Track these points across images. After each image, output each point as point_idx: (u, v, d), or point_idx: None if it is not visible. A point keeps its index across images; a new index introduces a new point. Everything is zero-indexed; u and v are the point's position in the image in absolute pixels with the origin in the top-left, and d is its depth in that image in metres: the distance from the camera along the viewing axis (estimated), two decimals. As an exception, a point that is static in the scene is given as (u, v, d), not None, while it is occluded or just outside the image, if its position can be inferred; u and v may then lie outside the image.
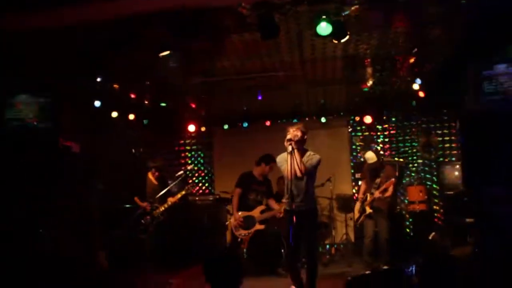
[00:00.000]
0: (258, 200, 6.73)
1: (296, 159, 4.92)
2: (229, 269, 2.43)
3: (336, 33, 4.52)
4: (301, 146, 5.02)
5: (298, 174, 4.96)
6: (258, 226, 6.61)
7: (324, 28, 4.41)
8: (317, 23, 4.42)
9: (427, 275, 2.19)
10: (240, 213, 6.54)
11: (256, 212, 6.64)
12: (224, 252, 4.27)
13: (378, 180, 6.71)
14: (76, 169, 6.36)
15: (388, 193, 6.64)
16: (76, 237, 6.08)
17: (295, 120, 8.99)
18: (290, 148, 4.94)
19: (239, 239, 6.56)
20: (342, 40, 4.66)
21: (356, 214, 7.00)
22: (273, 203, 6.86)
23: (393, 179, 6.59)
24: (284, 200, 5.67)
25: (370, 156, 6.74)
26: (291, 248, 5.13)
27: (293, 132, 4.92)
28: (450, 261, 2.22)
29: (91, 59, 5.41)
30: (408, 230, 8.56)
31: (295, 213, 4.93)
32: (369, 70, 6.70)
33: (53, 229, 5.74)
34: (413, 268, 2.65)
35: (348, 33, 4.65)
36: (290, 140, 4.90)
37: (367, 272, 6.37)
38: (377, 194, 6.60)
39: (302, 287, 5.33)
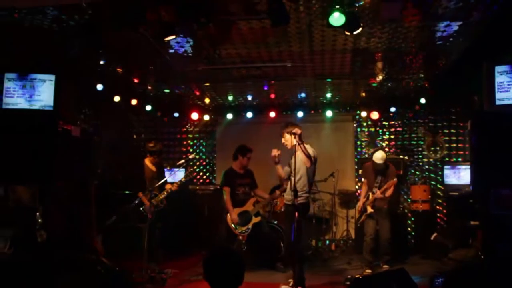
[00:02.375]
0: (247, 192, 6.69)
1: (303, 152, 4.98)
2: (231, 266, 2.27)
3: (349, 24, 4.35)
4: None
5: (308, 164, 5.04)
6: (255, 220, 6.56)
7: (337, 18, 4.24)
8: (330, 13, 4.26)
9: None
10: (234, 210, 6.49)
11: (249, 206, 6.59)
12: (224, 248, 4.12)
13: (379, 179, 6.58)
14: (76, 153, 6.23)
15: (389, 193, 6.52)
16: (73, 222, 5.98)
17: (300, 112, 8.88)
18: (294, 142, 4.95)
19: (239, 236, 6.49)
20: (355, 32, 4.49)
21: (358, 214, 6.90)
22: (261, 193, 6.89)
23: (395, 180, 6.46)
24: (284, 194, 5.62)
25: (381, 156, 6.55)
26: (295, 243, 5.03)
27: (295, 129, 5.07)
28: (477, 274, 2.09)
29: (93, 39, 5.24)
30: (409, 229, 8.44)
31: (296, 207, 4.87)
32: (379, 65, 6.52)
33: (50, 213, 5.64)
34: (441, 280, 2.51)
35: (361, 25, 4.48)
36: (294, 134, 4.95)
37: (367, 271, 6.33)
38: (378, 193, 6.47)
39: (303, 281, 5.25)
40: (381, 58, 6.27)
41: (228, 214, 6.51)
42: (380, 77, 6.99)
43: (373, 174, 6.65)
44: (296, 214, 4.72)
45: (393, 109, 8.70)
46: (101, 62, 6.17)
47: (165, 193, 6.25)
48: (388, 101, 8.52)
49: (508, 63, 4.96)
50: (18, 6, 4.58)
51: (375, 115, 8.63)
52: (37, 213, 5.47)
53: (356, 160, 9.14)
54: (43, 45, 5.57)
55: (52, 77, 5.51)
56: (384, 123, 9.14)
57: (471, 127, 5.36)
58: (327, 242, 8.45)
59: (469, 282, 2.04)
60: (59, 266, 3.72)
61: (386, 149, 9.03)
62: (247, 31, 5.36)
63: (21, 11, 4.70)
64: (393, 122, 9.09)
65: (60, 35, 5.31)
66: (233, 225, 6.43)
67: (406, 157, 8.68)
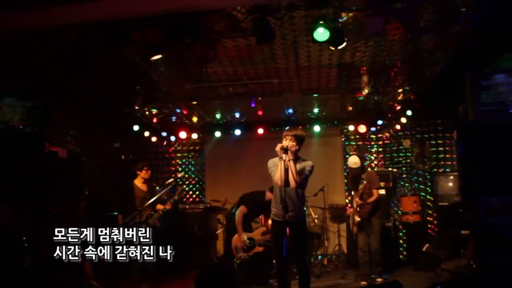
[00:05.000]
0: (258, 220, 6.61)
1: (291, 170, 4.74)
2: (223, 285, 2.24)
3: (333, 39, 4.40)
4: (295, 155, 4.88)
5: (293, 185, 4.78)
6: (258, 249, 6.45)
7: (321, 34, 4.29)
8: (314, 28, 4.31)
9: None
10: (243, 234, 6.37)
11: (257, 234, 6.48)
12: (216, 266, 4.06)
13: (361, 187, 6.57)
14: (63, 175, 6.15)
15: (371, 199, 6.50)
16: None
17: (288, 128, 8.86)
18: (284, 157, 4.78)
19: (236, 259, 6.41)
20: (339, 47, 4.55)
21: (352, 225, 6.89)
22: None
23: (364, 182, 6.45)
24: (274, 209, 5.48)
25: (354, 160, 6.54)
26: (283, 261, 4.92)
27: (290, 142, 4.75)
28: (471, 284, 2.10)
29: (81, 61, 5.25)
30: (401, 241, 8.44)
31: (288, 224, 4.77)
32: (365, 78, 6.60)
33: (38, 236, 5.52)
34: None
35: (346, 39, 4.54)
36: (286, 149, 4.72)
37: (362, 283, 6.30)
38: (357, 200, 6.47)
39: None
40: (367, 72, 6.34)
41: (236, 235, 6.39)
42: (366, 91, 7.06)
43: (354, 181, 6.65)
44: (288, 230, 4.65)
45: (380, 122, 8.76)
46: (88, 83, 6.15)
47: (160, 213, 6.18)
48: (375, 114, 8.59)
49: (490, 74, 5.04)
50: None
51: (362, 128, 8.69)
52: (23, 238, 5.36)
53: (345, 174, 9.15)
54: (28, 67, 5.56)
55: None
56: (371, 136, 9.20)
57: (457, 137, 5.40)
58: (319, 257, 8.40)
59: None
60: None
61: (375, 162, 9.08)
62: (233, 49, 5.40)
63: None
64: (380, 135, 9.15)
65: (45, 57, 5.31)
66: (235, 248, 6.34)
67: (395, 169, 8.72)
